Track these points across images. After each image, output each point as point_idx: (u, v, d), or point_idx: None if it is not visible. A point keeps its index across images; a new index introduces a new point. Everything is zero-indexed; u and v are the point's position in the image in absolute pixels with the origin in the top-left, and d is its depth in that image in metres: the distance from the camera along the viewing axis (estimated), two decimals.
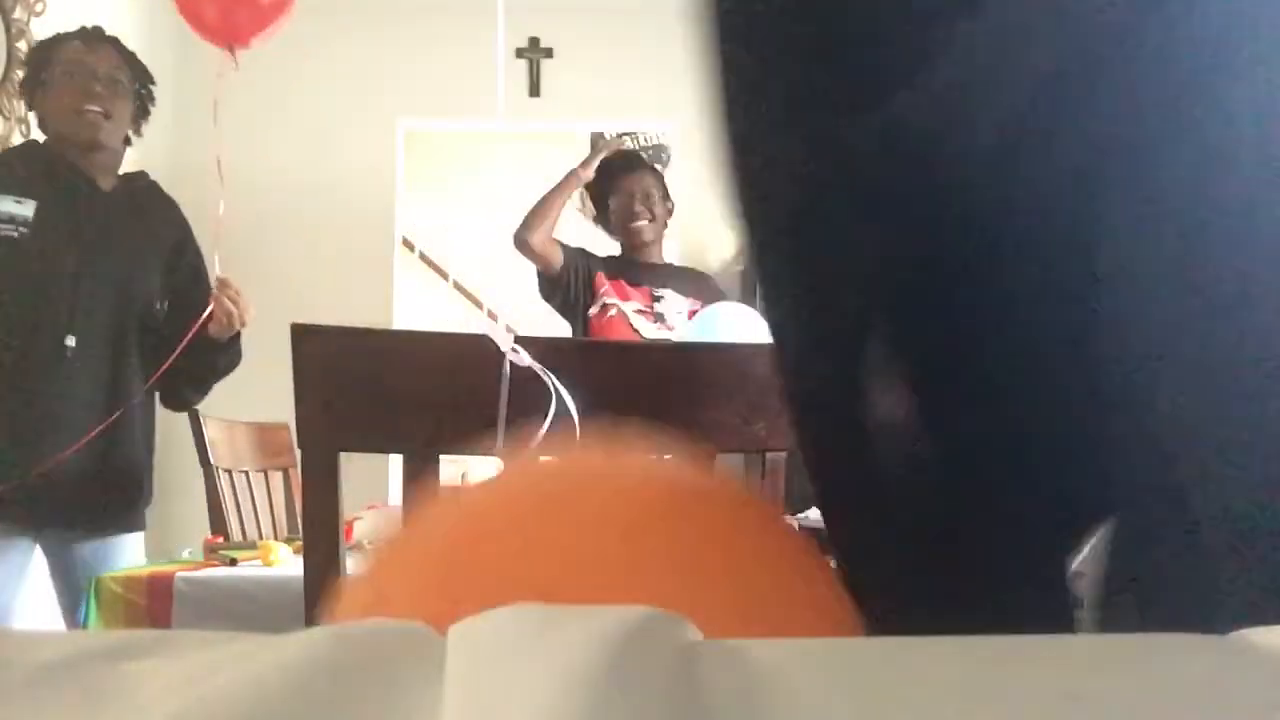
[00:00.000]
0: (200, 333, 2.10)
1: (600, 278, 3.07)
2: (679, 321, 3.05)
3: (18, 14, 3.00)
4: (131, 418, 2.09)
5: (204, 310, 2.10)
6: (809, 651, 0.61)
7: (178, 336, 2.10)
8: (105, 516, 2.15)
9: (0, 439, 2.02)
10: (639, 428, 1.07)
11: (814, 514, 1.75)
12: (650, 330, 3.03)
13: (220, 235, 2.22)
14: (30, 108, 2.24)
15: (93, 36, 2.17)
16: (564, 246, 3.08)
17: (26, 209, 2.04)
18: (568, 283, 3.07)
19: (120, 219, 2.17)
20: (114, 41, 2.19)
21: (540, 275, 3.10)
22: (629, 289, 3.07)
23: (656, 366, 1.10)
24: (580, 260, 3.09)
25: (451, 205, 5.93)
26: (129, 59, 2.20)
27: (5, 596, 2.08)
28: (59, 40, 2.16)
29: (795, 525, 1.68)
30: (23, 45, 3.01)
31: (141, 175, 2.30)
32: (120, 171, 2.25)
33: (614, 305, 3.04)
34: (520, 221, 3.04)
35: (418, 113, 4.35)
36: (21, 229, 2.02)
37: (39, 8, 3.08)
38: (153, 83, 2.27)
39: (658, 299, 3.08)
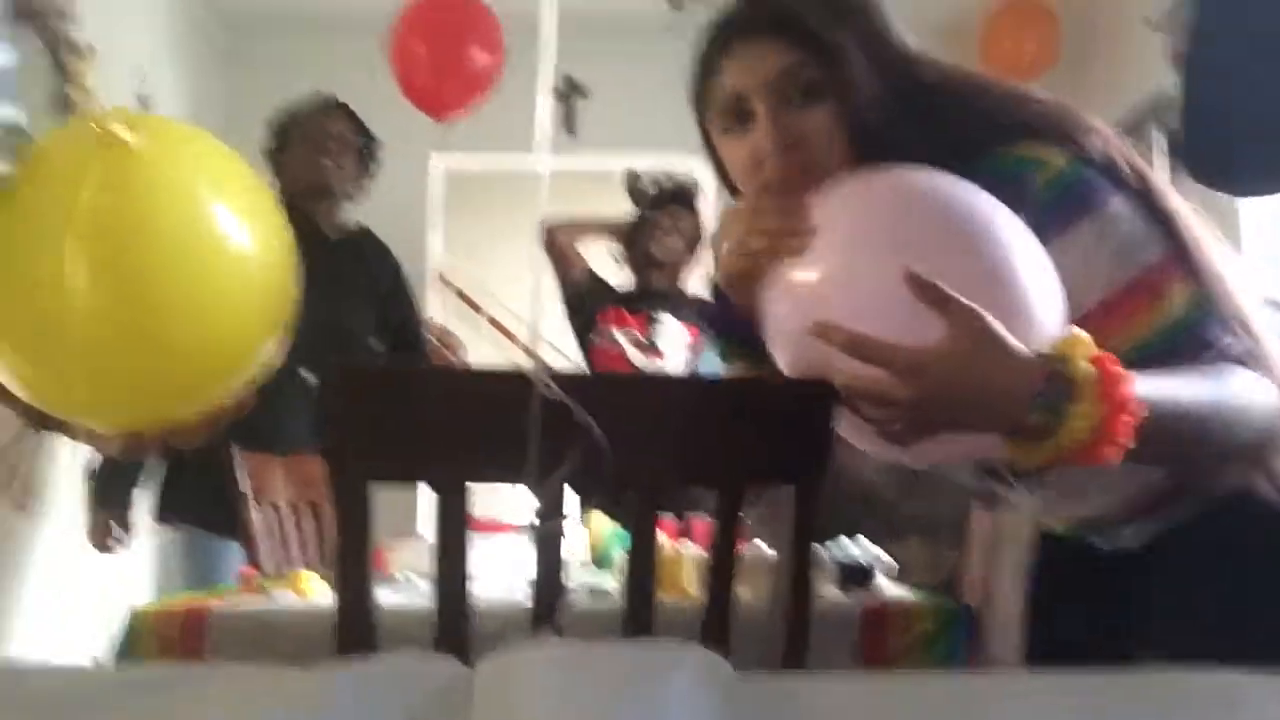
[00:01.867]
0: None
1: (608, 310, 3.12)
2: (672, 350, 3.06)
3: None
4: None
5: (414, 348, 2.38)
6: (844, 685, 0.61)
7: None
8: None
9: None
10: (667, 459, 1.07)
11: (844, 542, 1.73)
12: (639, 359, 3.06)
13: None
14: (272, 167, 2.62)
15: (328, 103, 2.64)
16: (590, 269, 3.14)
17: None
18: (584, 303, 3.14)
19: (343, 265, 2.49)
20: (344, 107, 2.65)
21: (564, 288, 3.17)
22: (626, 316, 3.11)
23: (684, 400, 1.10)
24: (598, 287, 3.17)
25: (486, 241, 5.98)
26: (356, 122, 2.63)
27: None
28: (297, 107, 2.63)
29: (826, 555, 1.66)
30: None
31: (363, 228, 2.64)
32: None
33: (607, 330, 3.08)
34: (555, 224, 3.11)
35: (453, 148, 4.39)
36: None
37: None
38: (378, 145, 2.66)
39: (654, 321, 3.09)
